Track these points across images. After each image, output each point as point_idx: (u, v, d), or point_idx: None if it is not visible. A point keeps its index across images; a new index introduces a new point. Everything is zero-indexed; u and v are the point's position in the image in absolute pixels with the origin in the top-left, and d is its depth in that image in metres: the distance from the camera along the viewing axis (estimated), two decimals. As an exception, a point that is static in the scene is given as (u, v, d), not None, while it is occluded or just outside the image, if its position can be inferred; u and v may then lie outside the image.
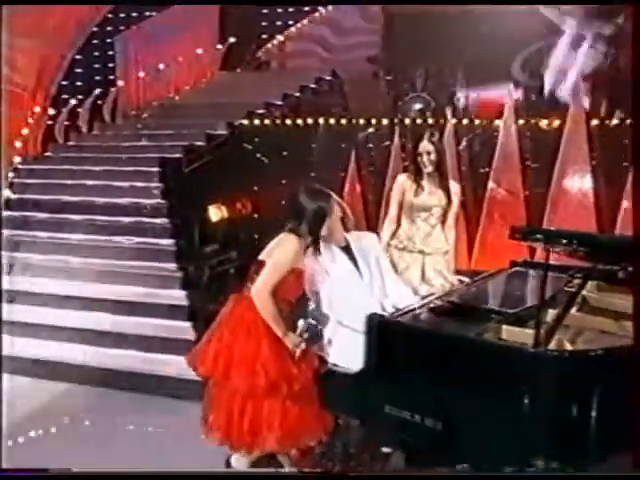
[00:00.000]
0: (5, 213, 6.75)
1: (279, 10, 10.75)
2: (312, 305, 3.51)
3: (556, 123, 6.83)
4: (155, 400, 4.88)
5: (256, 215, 7.34)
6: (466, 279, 4.15)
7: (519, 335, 3.12)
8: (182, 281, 5.97)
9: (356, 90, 8.76)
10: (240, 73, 10.22)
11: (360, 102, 8.47)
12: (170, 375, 5.05)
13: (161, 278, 6.01)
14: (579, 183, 6.72)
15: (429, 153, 4.26)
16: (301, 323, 3.37)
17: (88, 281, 6.13)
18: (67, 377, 5.26)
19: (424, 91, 8.57)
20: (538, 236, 3.45)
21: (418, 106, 8.44)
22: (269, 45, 10.57)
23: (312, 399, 3.37)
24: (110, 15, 9.60)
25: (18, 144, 7.69)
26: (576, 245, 3.19)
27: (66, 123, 8.21)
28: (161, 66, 8.97)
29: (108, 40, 9.34)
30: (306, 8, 10.45)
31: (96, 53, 9.86)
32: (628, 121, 6.55)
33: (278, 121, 7.73)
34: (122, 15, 9.83)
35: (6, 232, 6.57)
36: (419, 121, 7.32)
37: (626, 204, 6.41)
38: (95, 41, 9.66)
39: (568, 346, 3.09)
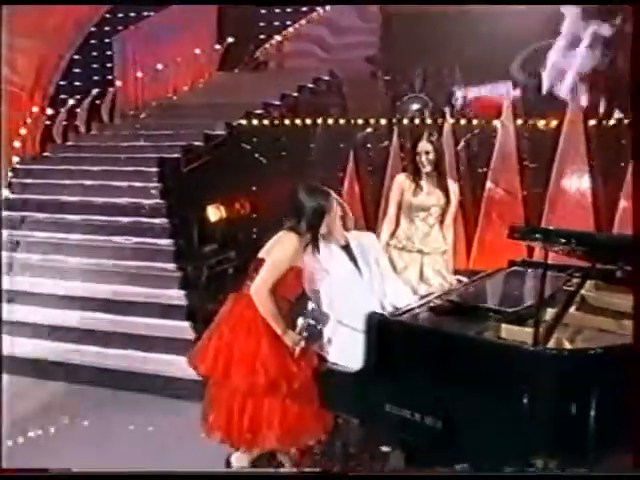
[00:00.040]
0: (3, 213, 6.75)
1: (277, 10, 10.77)
2: (311, 305, 3.51)
3: (554, 123, 6.85)
4: (155, 400, 4.88)
5: (254, 215, 7.35)
6: (465, 279, 4.15)
7: (518, 334, 3.12)
8: (181, 281, 5.99)
9: (354, 90, 8.77)
10: (238, 73, 10.24)
11: (358, 102, 8.48)
12: (170, 375, 5.05)
13: (160, 278, 6.02)
14: (577, 183, 6.74)
15: (428, 153, 4.27)
16: (300, 321, 3.37)
17: (86, 281, 6.13)
18: (66, 377, 5.27)
19: (422, 91, 8.58)
20: (537, 235, 3.45)
21: (416, 106, 8.45)
22: (267, 45, 10.59)
23: (312, 398, 3.37)
24: (108, 15, 9.63)
25: (17, 144, 7.68)
26: (575, 244, 3.19)
27: (64, 123, 8.20)
28: (159, 66, 8.98)
29: (106, 40, 9.36)
30: (304, 8, 10.47)
31: (94, 53, 9.88)
32: (626, 121, 6.58)
33: (276, 121, 7.74)
34: (120, 15, 9.85)
35: (5, 232, 6.57)
36: (417, 121, 7.33)
37: (624, 204, 6.43)
38: (93, 41, 9.68)
39: (567, 345, 3.09)
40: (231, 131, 7.59)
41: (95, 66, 9.91)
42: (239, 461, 3.56)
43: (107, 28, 9.75)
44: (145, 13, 9.67)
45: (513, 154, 6.88)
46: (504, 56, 8.56)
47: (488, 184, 6.88)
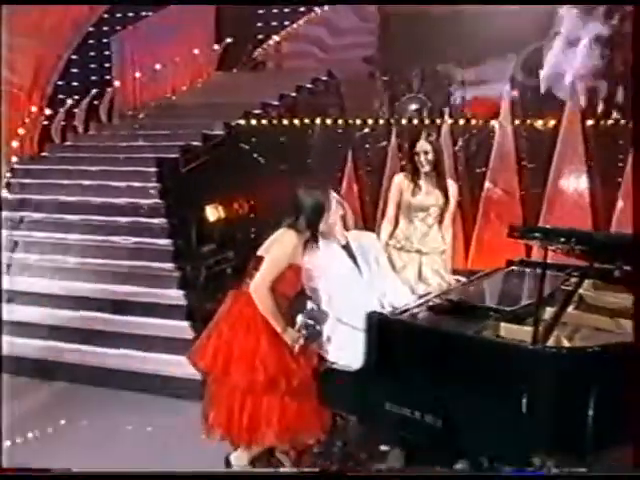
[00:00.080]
0: (2, 213, 6.75)
1: (275, 10, 10.78)
2: (310, 305, 3.51)
3: (552, 123, 6.88)
4: (155, 400, 4.88)
5: (253, 215, 7.36)
6: (463, 279, 4.16)
7: (517, 332, 3.14)
8: (179, 281, 5.99)
9: (352, 90, 8.78)
10: (236, 73, 10.25)
11: (356, 102, 8.50)
12: (169, 374, 5.06)
13: (158, 278, 6.02)
14: (575, 183, 6.77)
15: (426, 152, 4.26)
16: (300, 318, 3.37)
17: (85, 281, 6.13)
18: (66, 377, 5.27)
19: (420, 91, 8.60)
20: (536, 234, 3.47)
21: (414, 106, 8.47)
22: (265, 45, 10.61)
23: (311, 395, 3.37)
24: (106, 15, 9.62)
25: (15, 144, 7.67)
26: (573, 243, 3.21)
27: (62, 123, 8.20)
28: (158, 66, 8.98)
29: (104, 40, 9.35)
30: (302, 8, 10.48)
31: (92, 53, 9.87)
32: (623, 121, 6.61)
33: (275, 121, 7.75)
34: (118, 15, 9.85)
35: (3, 232, 6.57)
36: (415, 121, 7.35)
37: (621, 204, 6.46)
38: (91, 41, 9.67)
39: (566, 343, 3.11)
40: (230, 131, 7.60)
41: (93, 66, 9.91)
42: (238, 460, 3.56)
43: (105, 28, 9.74)
44: (143, 13, 9.67)
45: (511, 154, 6.91)
46: (502, 56, 8.59)
47: (486, 184, 6.91)
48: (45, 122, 8.41)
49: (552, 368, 2.90)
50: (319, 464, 3.68)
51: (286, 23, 10.63)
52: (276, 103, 8.41)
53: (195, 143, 7.33)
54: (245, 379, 3.28)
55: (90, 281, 6.12)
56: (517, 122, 6.96)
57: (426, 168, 4.28)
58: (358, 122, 7.40)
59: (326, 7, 10.33)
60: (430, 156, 4.26)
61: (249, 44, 10.50)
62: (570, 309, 3.37)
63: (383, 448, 3.72)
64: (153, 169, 6.85)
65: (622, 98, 7.85)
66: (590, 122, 6.78)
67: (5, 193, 7.09)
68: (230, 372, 3.31)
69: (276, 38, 10.56)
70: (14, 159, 7.57)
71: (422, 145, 4.26)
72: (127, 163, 7.11)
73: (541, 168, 6.82)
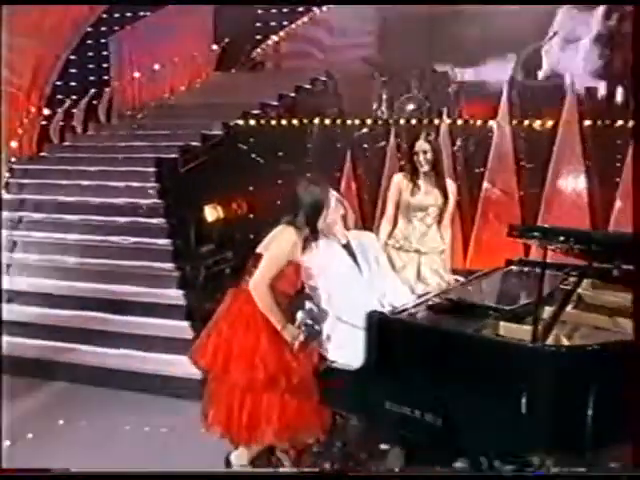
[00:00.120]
0: (1, 213, 6.74)
1: (274, 11, 10.78)
2: (309, 304, 3.51)
3: (550, 123, 6.89)
4: (155, 400, 4.88)
5: (252, 215, 7.36)
6: (462, 278, 4.17)
7: (517, 331, 3.15)
8: (178, 281, 5.99)
9: (351, 90, 8.79)
10: (235, 73, 10.26)
11: (355, 102, 8.50)
12: (169, 374, 5.06)
13: (157, 278, 6.03)
14: (573, 183, 6.78)
15: (425, 152, 4.27)
16: (300, 315, 3.37)
17: (84, 281, 6.13)
18: (66, 377, 5.27)
19: (419, 91, 8.60)
20: (535, 233, 3.48)
21: (413, 106, 8.48)
22: (264, 46, 10.61)
23: (310, 393, 3.37)
24: (104, 15, 9.59)
25: (13, 144, 7.67)
26: (572, 242, 3.22)
27: (61, 123, 8.20)
28: (156, 66, 8.98)
29: (103, 40, 9.34)
30: (301, 9, 10.48)
31: (91, 53, 9.85)
32: (621, 122, 6.62)
33: (273, 121, 7.76)
34: (116, 15, 9.83)
35: (3, 232, 6.57)
36: (414, 121, 7.36)
37: (619, 204, 6.47)
38: (89, 41, 9.65)
39: (565, 342, 3.12)
40: (228, 131, 7.61)
41: (92, 66, 9.90)
42: (238, 459, 3.56)
43: (104, 28, 9.72)
44: (142, 13, 9.67)
45: (509, 154, 6.92)
46: (501, 56, 8.60)
47: (485, 184, 6.92)
48: (44, 122, 8.40)
49: (551, 366, 2.92)
50: (319, 464, 3.68)
51: (285, 23, 10.64)
52: (275, 103, 8.42)
53: (194, 143, 7.33)
54: (245, 377, 3.29)
55: (89, 281, 6.12)
56: (515, 122, 6.97)
57: (425, 168, 4.29)
58: (357, 122, 7.41)
59: (325, 7, 10.34)
60: (429, 156, 4.27)
61: (248, 44, 10.50)
62: (569, 308, 3.39)
63: (383, 447, 3.73)
64: (152, 169, 6.85)
65: (621, 98, 7.87)
66: (588, 122, 6.79)
67: (4, 193, 7.09)
68: (230, 370, 3.31)
69: (275, 38, 10.57)
70: (13, 159, 7.56)
71: (421, 145, 4.28)
72: (126, 163, 7.11)
73: (539, 168, 6.83)
